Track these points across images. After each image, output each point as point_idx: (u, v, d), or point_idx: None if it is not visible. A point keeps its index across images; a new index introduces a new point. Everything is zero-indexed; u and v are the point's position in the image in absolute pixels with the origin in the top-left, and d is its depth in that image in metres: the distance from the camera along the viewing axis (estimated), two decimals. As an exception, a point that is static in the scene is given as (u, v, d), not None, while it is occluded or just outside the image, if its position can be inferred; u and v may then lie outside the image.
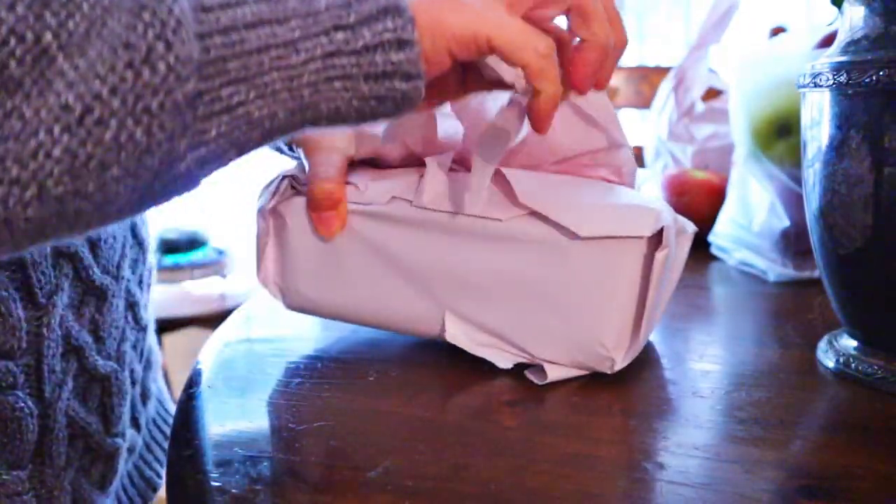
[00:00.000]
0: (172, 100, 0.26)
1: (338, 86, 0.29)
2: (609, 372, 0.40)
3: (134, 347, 0.49)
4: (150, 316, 0.53)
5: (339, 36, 0.29)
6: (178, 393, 0.44)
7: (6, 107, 0.24)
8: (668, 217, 0.39)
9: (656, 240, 0.39)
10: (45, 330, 0.40)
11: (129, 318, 0.48)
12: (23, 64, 0.24)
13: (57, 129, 0.24)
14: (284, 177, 0.45)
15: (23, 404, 0.39)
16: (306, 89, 0.29)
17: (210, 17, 0.27)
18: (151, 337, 0.54)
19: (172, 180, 0.28)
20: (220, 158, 0.29)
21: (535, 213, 0.40)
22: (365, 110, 0.30)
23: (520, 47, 0.31)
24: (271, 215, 0.46)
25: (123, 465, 0.49)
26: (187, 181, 0.29)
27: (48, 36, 0.24)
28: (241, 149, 0.29)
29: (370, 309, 0.45)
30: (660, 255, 0.38)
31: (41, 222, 0.26)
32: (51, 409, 0.41)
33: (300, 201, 0.45)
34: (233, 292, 1.59)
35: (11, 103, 0.24)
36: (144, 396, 0.53)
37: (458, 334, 0.42)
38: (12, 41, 0.24)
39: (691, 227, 0.45)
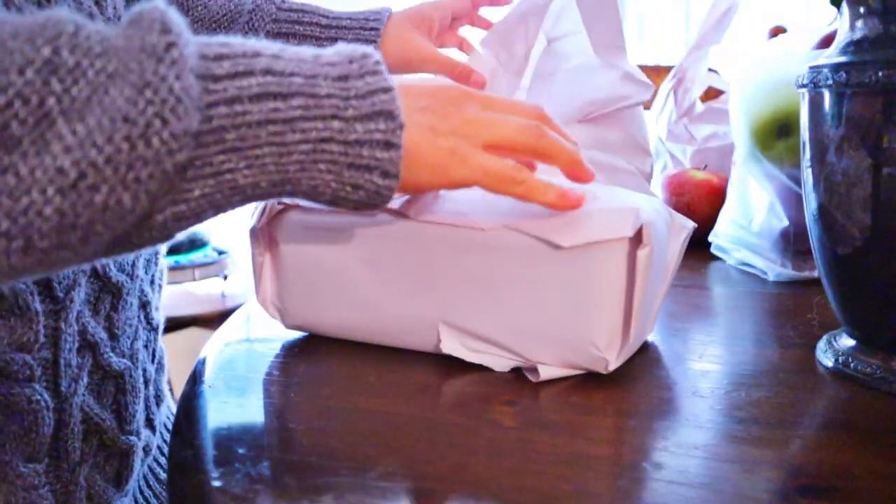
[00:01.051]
0: (161, 169, 0.28)
1: (322, 168, 0.32)
2: (604, 372, 0.40)
3: (146, 347, 0.50)
4: (160, 318, 0.53)
5: (335, 125, 0.31)
6: (178, 393, 0.44)
7: (3, 163, 0.25)
8: (650, 214, 0.39)
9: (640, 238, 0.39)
10: (62, 324, 0.41)
11: (142, 317, 0.49)
12: (24, 125, 0.25)
13: (50, 191, 0.26)
14: None
15: (39, 397, 0.40)
16: (293, 166, 0.31)
17: (219, 86, 0.29)
18: (161, 339, 0.55)
19: (148, 230, 0.30)
20: (196, 216, 0.31)
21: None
22: (339, 193, 0.33)
23: (505, 183, 0.37)
24: (264, 235, 0.47)
25: (140, 465, 0.50)
26: (161, 233, 0.30)
27: (51, 101, 0.26)
28: (218, 209, 0.31)
29: (367, 326, 0.45)
30: (642, 253, 0.38)
31: (22, 268, 0.27)
32: (66, 404, 0.41)
33: (291, 220, 0.45)
34: (233, 292, 1.59)
35: (9, 160, 0.25)
36: (158, 398, 0.53)
37: (453, 345, 0.42)
38: (17, 103, 0.25)
39: (689, 224, 0.45)
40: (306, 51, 0.33)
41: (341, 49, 0.34)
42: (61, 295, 0.40)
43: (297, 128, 0.31)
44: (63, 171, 0.26)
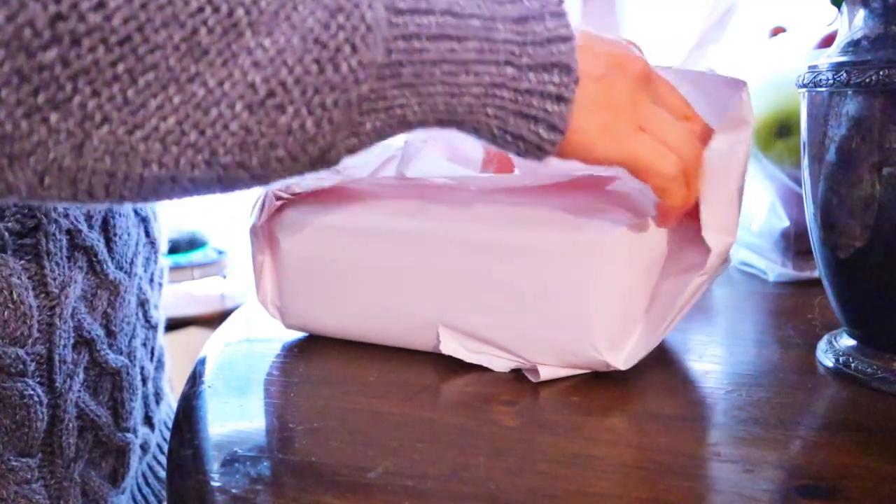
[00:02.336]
0: (346, 99, 0.28)
1: (490, 112, 0.32)
2: (604, 370, 0.40)
3: (144, 345, 0.50)
4: (160, 316, 0.53)
5: (509, 71, 0.31)
6: (178, 393, 0.44)
7: (189, 72, 0.25)
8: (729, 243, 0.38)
9: (650, 239, 0.39)
10: (57, 320, 0.41)
11: (140, 315, 0.49)
12: (212, 33, 0.25)
13: (239, 106, 0.26)
14: (268, 191, 0.46)
15: (32, 392, 0.40)
16: (462, 108, 0.31)
17: (400, 20, 0.29)
18: (162, 338, 0.55)
19: (321, 164, 0.30)
20: (364, 146, 0.31)
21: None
22: (499, 140, 0.33)
23: (651, 172, 0.35)
24: (264, 234, 0.47)
25: (138, 464, 0.50)
26: (331, 165, 0.31)
27: (240, 11, 0.25)
28: (383, 138, 0.31)
29: (366, 326, 0.45)
30: (698, 280, 0.38)
31: (202, 183, 0.28)
32: (61, 400, 0.41)
33: (291, 219, 0.45)
34: (233, 292, 1.59)
35: (195, 69, 0.25)
36: (158, 397, 0.53)
37: (453, 345, 0.42)
38: (207, 10, 0.25)
39: (730, 260, 0.45)
40: None
41: None
42: (56, 290, 0.41)
43: (470, 70, 0.30)
44: (253, 87, 0.26)
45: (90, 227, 0.43)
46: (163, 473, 0.55)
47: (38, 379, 0.40)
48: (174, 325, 1.45)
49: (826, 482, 0.30)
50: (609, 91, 0.33)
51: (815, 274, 0.60)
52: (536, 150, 0.33)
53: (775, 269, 0.62)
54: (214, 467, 0.32)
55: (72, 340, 0.42)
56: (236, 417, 0.37)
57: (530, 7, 0.31)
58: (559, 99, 0.31)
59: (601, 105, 0.33)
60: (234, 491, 0.30)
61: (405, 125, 0.31)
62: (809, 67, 0.40)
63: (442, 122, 0.32)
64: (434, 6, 0.30)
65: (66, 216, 0.41)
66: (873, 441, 0.34)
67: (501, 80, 0.31)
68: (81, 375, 0.43)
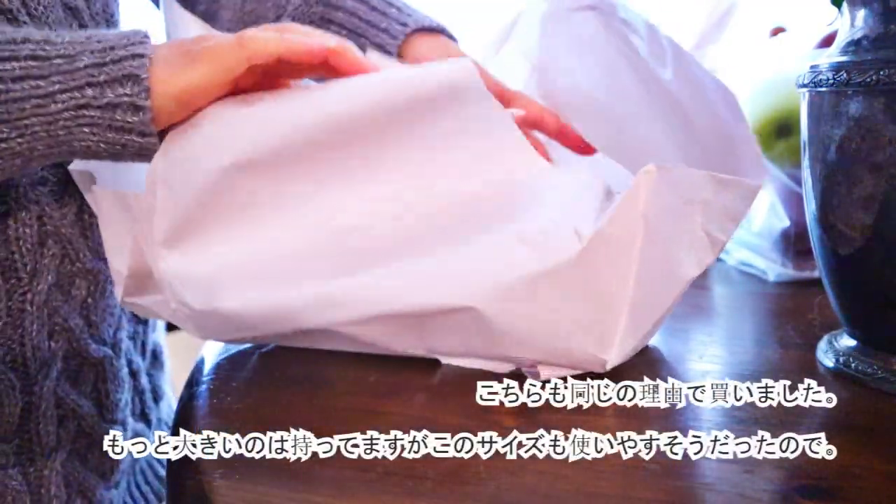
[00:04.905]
0: None
1: (87, 131, 0.35)
2: (601, 370, 0.40)
3: (132, 339, 0.49)
4: None
5: (89, 91, 0.35)
6: (178, 393, 0.44)
7: None
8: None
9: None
10: (28, 306, 0.41)
11: (125, 307, 0.48)
12: None
13: None
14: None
15: (3, 376, 0.40)
16: (62, 132, 0.35)
17: None
18: (160, 336, 0.54)
19: None
20: None
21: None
22: (112, 151, 0.36)
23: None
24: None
25: (133, 459, 0.50)
26: None
27: None
28: (2, 173, 0.36)
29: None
30: (688, 279, 0.39)
31: None
32: (36, 386, 0.41)
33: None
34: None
35: None
36: (156, 394, 0.53)
37: (449, 358, 0.42)
38: None
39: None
40: (83, 33, 0.36)
41: (127, 30, 0.37)
42: (26, 276, 0.41)
43: (57, 99, 0.34)
44: None
45: (63, 215, 0.42)
46: (163, 472, 0.55)
47: (10, 364, 0.40)
48: (174, 324, 1.45)
49: (826, 482, 0.30)
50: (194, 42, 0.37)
51: (815, 274, 0.60)
52: (146, 151, 0.37)
53: (775, 269, 0.62)
54: (214, 467, 0.32)
55: (46, 328, 0.42)
56: (236, 417, 0.37)
57: (117, 39, 0.36)
58: (136, 108, 0.35)
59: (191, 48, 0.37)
60: (234, 491, 0.30)
61: (16, 155, 0.35)
62: (810, 67, 0.40)
63: (51, 147, 0.35)
64: (18, 54, 0.34)
65: (38, 203, 0.41)
66: (873, 441, 0.34)
67: (85, 101, 0.35)
68: (59, 364, 0.42)
